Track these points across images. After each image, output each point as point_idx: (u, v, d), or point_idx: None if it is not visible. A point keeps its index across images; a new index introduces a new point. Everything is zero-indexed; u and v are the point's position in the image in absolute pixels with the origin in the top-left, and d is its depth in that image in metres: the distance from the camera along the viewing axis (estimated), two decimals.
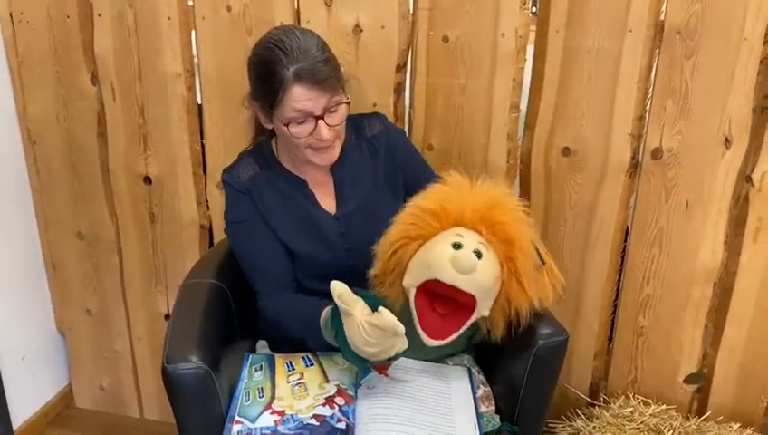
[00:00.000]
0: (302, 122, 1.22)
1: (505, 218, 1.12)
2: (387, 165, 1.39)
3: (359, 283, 1.22)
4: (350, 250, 1.34)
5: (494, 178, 1.22)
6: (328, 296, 1.32)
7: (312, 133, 1.23)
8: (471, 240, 1.10)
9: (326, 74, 1.19)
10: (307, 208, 1.36)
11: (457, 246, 1.09)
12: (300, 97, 1.19)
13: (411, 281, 1.14)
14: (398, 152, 1.41)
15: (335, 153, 1.30)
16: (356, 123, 1.40)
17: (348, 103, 1.26)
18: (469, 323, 1.13)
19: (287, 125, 1.23)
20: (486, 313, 1.14)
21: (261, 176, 1.36)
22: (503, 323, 1.18)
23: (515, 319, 1.16)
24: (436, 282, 1.10)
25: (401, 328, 1.05)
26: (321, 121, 1.22)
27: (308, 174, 1.37)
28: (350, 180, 1.38)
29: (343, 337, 1.11)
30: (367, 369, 1.16)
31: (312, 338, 1.28)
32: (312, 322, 1.24)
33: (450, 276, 1.08)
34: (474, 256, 1.08)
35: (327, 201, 1.38)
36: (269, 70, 1.20)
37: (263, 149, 1.40)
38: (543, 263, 1.15)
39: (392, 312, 1.08)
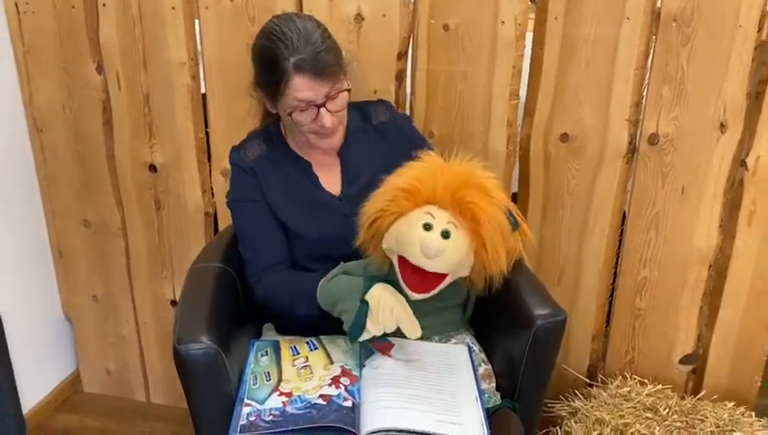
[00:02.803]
0: (305, 110, 1.25)
1: (473, 198, 1.17)
2: (395, 152, 1.40)
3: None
4: (353, 231, 1.35)
5: (467, 156, 1.26)
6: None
7: (315, 120, 1.26)
8: (441, 220, 1.17)
9: (327, 63, 1.22)
10: (309, 190, 1.39)
11: (427, 226, 1.16)
12: (301, 87, 1.22)
13: (389, 247, 1.21)
14: (406, 138, 1.43)
15: (339, 137, 1.34)
16: (362, 110, 1.43)
17: (349, 90, 1.29)
18: (447, 282, 1.20)
19: (291, 114, 1.26)
20: (464, 274, 1.22)
21: (267, 156, 1.39)
22: (481, 283, 1.24)
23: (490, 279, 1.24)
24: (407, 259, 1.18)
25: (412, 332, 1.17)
26: (322, 109, 1.25)
27: (314, 156, 1.40)
28: (356, 164, 1.40)
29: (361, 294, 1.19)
30: (368, 349, 1.22)
31: (303, 303, 1.31)
32: (309, 288, 1.29)
33: (417, 260, 1.16)
34: (440, 240, 1.15)
35: (331, 183, 1.40)
36: (271, 61, 1.23)
37: (270, 129, 1.43)
38: (517, 226, 1.22)
39: (380, 272, 1.25)
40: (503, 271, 1.21)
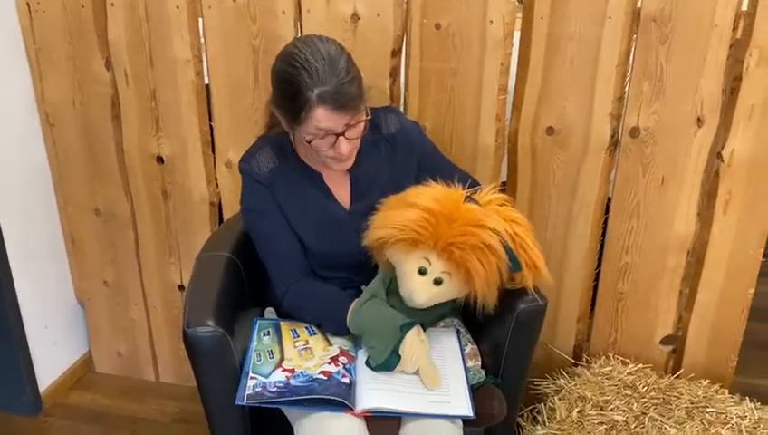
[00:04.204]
0: (323, 138, 1.25)
1: (470, 258, 1.19)
2: (405, 164, 1.43)
3: (367, 275, 1.37)
4: (363, 246, 1.33)
5: (488, 190, 1.31)
6: (338, 283, 1.43)
7: (333, 146, 1.27)
8: (436, 268, 1.22)
9: (350, 96, 1.22)
10: (322, 203, 1.40)
11: (422, 271, 1.23)
12: (323, 118, 1.22)
13: (390, 260, 1.28)
14: (416, 149, 1.45)
15: (352, 161, 1.35)
16: (372, 120, 1.36)
17: (368, 120, 1.29)
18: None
19: (310, 142, 1.27)
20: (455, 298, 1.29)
21: (279, 168, 1.39)
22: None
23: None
24: None
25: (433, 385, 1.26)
26: (341, 137, 1.25)
27: (325, 170, 1.40)
28: (366, 179, 1.41)
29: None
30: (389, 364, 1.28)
31: (331, 324, 1.37)
32: (338, 310, 1.34)
33: (405, 298, 1.26)
34: (430, 287, 1.23)
35: (342, 196, 1.42)
36: (294, 90, 1.21)
37: (281, 141, 1.41)
38: (518, 269, 1.24)
39: (387, 276, 1.31)
40: (491, 308, 1.26)
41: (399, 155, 1.44)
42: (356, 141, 1.31)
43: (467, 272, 1.20)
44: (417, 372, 1.27)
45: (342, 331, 1.35)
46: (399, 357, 1.25)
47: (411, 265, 1.24)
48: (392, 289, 1.32)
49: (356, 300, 1.34)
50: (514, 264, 1.23)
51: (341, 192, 1.43)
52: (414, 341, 1.26)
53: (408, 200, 1.26)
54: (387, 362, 1.26)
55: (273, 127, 1.43)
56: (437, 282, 1.23)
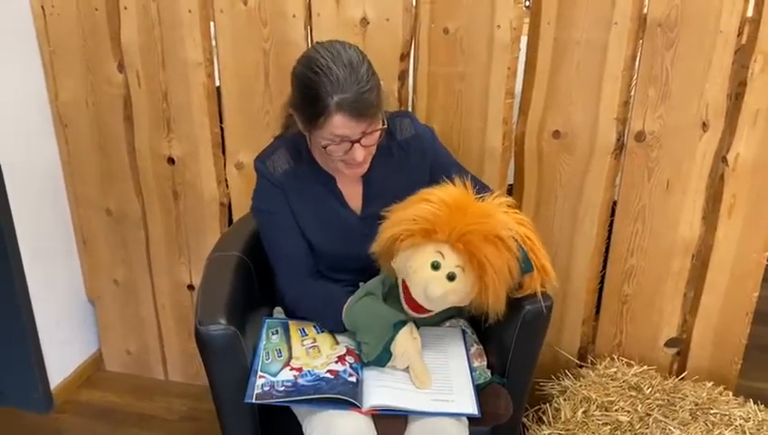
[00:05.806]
0: (339, 144, 1.27)
1: (483, 249, 1.19)
2: (417, 169, 1.44)
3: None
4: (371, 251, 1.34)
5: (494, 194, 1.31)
6: (344, 284, 1.44)
7: (347, 153, 1.28)
8: (450, 262, 1.22)
9: (369, 104, 1.22)
10: (333, 207, 1.42)
11: (436, 265, 1.22)
12: (340, 125, 1.23)
13: (397, 268, 1.29)
14: (428, 154, 1.45)
15: (365, 167, 1.36)
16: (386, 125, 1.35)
17: (384, 129, 1.31)
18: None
19: (325, 147, 1.28)
20: (461, 305, 1.29)
21: (294, 171, 1.40)
22: (483, 311, 1.29)
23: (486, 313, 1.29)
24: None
25: (422, 384, 1.27)
26: (356, 144, 1.26)
27: (338, 174, 1.40)
28: (378, 184, 1.42)
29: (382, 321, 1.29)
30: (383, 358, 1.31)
31: (329, 319, 1.38)
32: (335, 307, 1.35)
33: (418, 297, 1.25)
34: (444, 283, 1.21)
35: (354, 200, 1.43)
36: (313, 94, 1.22)
37: (297, 142, 1.41)
38: (528, 270, 1.25)
39: (390, 279, 1.31)
40: (499, 314, 1.26)
41: (412, 161, 1.44)
42: (371, 149, 1.32)
43: (480, 266, 1.19)
44: (407, 370, 1.29)
45: (339, 327, 1.37)
46: (391, 354, 1.27)
47: (424, 260, 1.22)
48: (392, 293, 1.33)
49: (351, 296, 1.36)
50: (526, 264, 1.24)
51: (354, 197, 1.44)
52: (406, 339, 1.28)
53: (420, 197, 1.27)
54: (378, 359, 1.28)
55: (289, 127, 1.43)
56: (451, 277, 1.21)
